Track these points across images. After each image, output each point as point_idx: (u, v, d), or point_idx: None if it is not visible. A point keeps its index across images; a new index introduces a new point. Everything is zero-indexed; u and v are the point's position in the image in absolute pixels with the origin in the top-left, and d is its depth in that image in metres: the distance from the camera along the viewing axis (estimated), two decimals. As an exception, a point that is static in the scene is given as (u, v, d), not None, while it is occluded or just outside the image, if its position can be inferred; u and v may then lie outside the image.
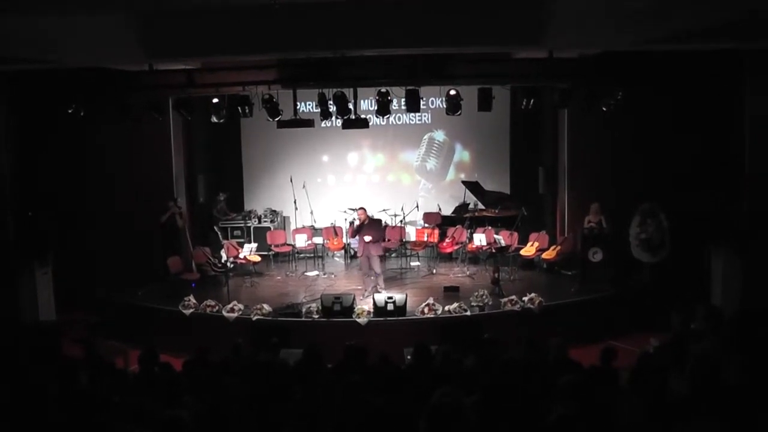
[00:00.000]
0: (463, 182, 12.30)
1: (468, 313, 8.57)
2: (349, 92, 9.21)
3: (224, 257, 10.50)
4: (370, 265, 9.51)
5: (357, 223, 9.73)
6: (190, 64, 9.20)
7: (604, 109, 9.00)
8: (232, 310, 8.76)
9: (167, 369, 5.49)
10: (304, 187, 11.92)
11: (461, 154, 13.07)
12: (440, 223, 12.02)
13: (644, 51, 8.39)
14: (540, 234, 10.91)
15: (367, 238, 9.46)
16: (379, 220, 10.08)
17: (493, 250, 10.55)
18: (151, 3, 6.64)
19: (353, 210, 12.00)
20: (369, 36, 7.12)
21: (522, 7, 6.79)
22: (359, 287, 10.04)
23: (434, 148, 13.00)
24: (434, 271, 11.12)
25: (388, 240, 11.19)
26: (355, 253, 12.07)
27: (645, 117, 10.05)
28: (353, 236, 9.73)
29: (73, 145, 10.57)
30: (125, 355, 7.72)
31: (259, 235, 12.12)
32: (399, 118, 12.77)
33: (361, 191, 12.93)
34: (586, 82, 8.95)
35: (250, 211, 12.69)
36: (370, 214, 10.02)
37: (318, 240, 11.75)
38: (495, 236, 10.73)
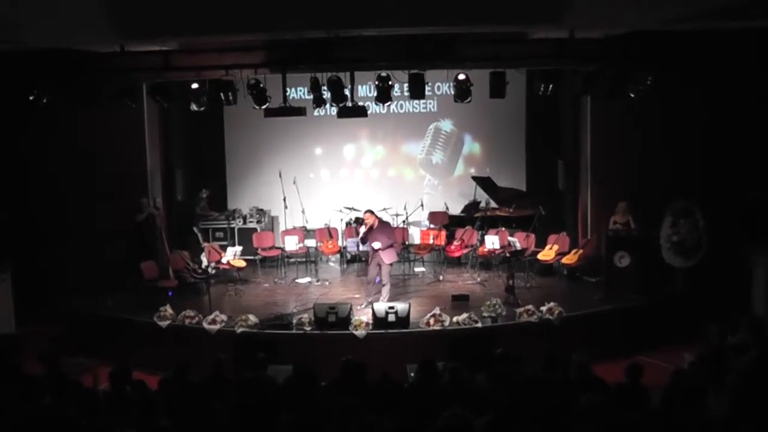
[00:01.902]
0: (474, 178, 12.28)
1: (479, 324, 8.55)
2: (345, 77, 9.18)
3: (205, 262, 10.47)
4: (380, 273, 9.48)
5: (365, 228, 9.58)
6: (166, 45, 9.18)
7: (632, 95, 8.97)
8: (213, 321, 8.74)
9: (141, 388, 5.47)
10: (294, 183, 11.90)
11: (471, 147, 13.04)
12: (447, 223, 12.00)
13: (676, 30, 8.37)
14: (560, 236, 10.90)
15: (377, 245, 9.36)
16: (388, 222, 10.02)
17: (507, 254, 10.50)
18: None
19: (349, 209, 12.04)
20: (368, 13, 7.10)
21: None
22: (357, 295, 10.02)
23: (441, 140, 12.98)
24: (441, 277, 11.10)
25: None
26: (352, 257, 12.12)
27: (677, 104, 10.05)
28: (363, 243, 9.63)
29: (36, 138, 10.57)
30: (93, 373, 7.68)
31: (244, 237, 12.10)
32: (401, 106, 12.73)
33: (359, 188, 12.91)
34: (611, 65, 8.93)
35: (234, 211, 12.67)
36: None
37: (310, 243, 11.72)
38: (509, 238, 10.71)
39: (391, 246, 9.50)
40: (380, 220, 9.69)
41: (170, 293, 9.92)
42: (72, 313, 9.76)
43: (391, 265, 9.57)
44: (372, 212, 9.63)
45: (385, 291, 9.46)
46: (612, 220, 10.14)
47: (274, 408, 4.60)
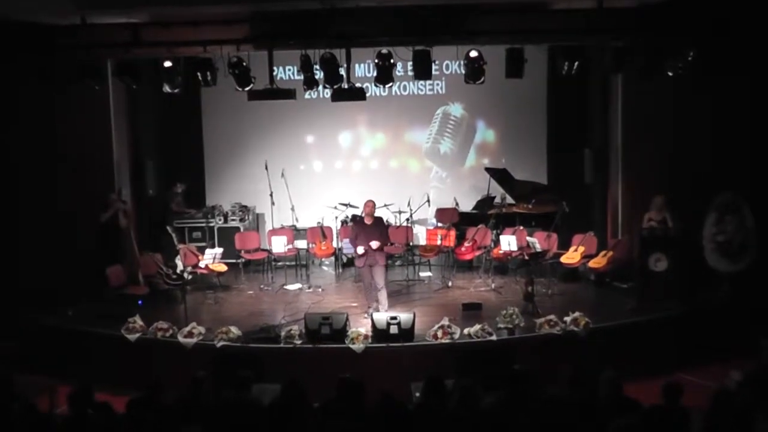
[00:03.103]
0: (487, 169, 12.28)
1: (493, 337, 8.55)
2: (340, 54, 9.18)
3: (180, 266, 10.48)
4: (373, 277, 9.50)
5: (360, 221, 9.55)
6: (134, 17, 9.17)
7: (670, 74, 8.95)
8: (190, 334, 8.75)
9: (105, 411, 5.47)
10: (282, 176, 11.91)
11: (484, 134, 13.03)
12: (457, 221, 11.99)
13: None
14: (586, 236, 10.89)
15: (375, 245, 9.33)
16: (381, 218, 10.05)
17: (526, 257, 10.52)
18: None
19: (345, 206, 12.05)
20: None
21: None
22: (354, 304, 10.03)
23: (450, 126, 12.98)
24: (450, 283, 11.12)
25: (391, 244, 11.18)
26: (349, 260, 12.12)
27: (723, 83, 10.00)
28: (354, 241, 9.55)
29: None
30: (51, 394, 7.68)
31: (225, 237, 12.12)
32: (404, 88, 12.74)
33: (357, 181, 12.92)
34: (646, 38, 8.92)
35: (213, 207, 12.68)
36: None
37: (301, 244, 11.73)
38: (528, 239, 10.70)
39: (385, 245, 9.58)
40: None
41: (140, 302, 9.92)
42: (27, 326, 9.74)
43: (385, 266, 9.59)
44: (374, 203, 9.58)
45: (383, 297, 9.48)
46: (646, 218, 10.13)
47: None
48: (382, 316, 8.65)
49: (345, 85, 9.36)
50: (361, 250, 9.29)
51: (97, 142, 10.84)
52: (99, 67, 9.48)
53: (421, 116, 12.97)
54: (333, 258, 12.21)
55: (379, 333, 8.52)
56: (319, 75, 9.44)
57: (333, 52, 9.06)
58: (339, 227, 12.13)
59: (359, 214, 12.01)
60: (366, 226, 9.46)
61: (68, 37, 9.18)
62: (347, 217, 12.18)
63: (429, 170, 13.14)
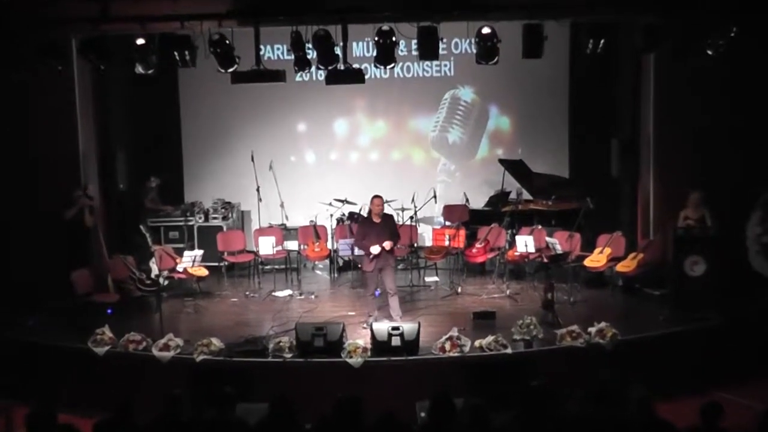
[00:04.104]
0: (501, 161, 12.31)
1: (509, 350, 8.55)
2: (336, 31, 9.18)
3: (155, 270, 10.49)
4: (383, 281, 9.44)
5: (366, 219, 9.54)
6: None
7: (710, 53, 8.94)
8: (166, 347, 8.74)
9: (70, 433, 5.47)
10: (271, 168, 11.94)
11: (498, 121, 13.06)
12: (468, 220, 12.03)
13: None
14: (613, 236, 10.90)
15: (388, 245, 9.32)
16: (391, 215, 10.03)
17: (545, 260, 10.53)
18: None
19: (342, 202, 12.05)
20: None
21: None
22: (351, 312, 10.04)
23: (459, 113, 13.00)
24: (459, 289, 11.12)
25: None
26: (345, 263, 12.13)
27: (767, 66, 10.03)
28: (361, 243, 9.48)
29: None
30: (7, 416, 7.66)
31: (206, 238, 12.14)
32: (408, 69, 12.77)
33: (354, 175, 12.97)
34: (683, 12, 8.91)
35: (192, 204, 12.71)
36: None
37: (291, 245, 11.75)
38: (547, 239, 10.71)
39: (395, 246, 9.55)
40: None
41: (109, 311, 9.92)
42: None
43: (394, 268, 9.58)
44: (382, 199, 9.54)
45: (396, 304, 9.49)
46: (682, 216, 10.13)
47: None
48: (382, 327, 8.64)
49: (341, 66, 9.36)
50: (376, 249, 9.21)
51: (60, 131, 10.82)
52: (62, 46, 9.48)
53: (426, 101, 12.99)
54: (327, 261, 12.21)
55: (380, 345, 8.51)
56: (311, 55, 9.44)
57: (327, 29, 9.06)
58: (334, 226, 12.15)
59: (357, 211, 12.07)
60: (375, 224, 9.43)
61: (27, 11, 9.17)
62: (343, 215, 12.18)
63: (436, 162, 13.16)
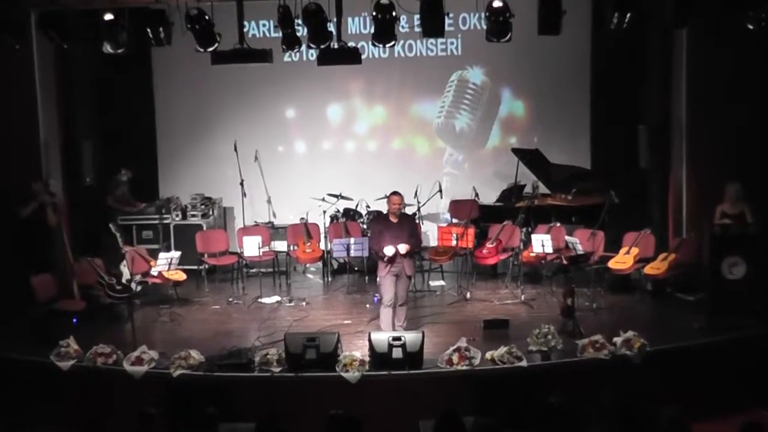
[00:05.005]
0: (515, 151, 12.29)
1: (523, 363, 8.53)
2: (328, 5, 9.15)
3: (126, 274, 10.45)
4: (396, 290, 9.32)
5: (382, 217, 9.55)
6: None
7: (750, 27, 8.91)
8: (139, 360, 8.72)
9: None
10: (256, 159, 11.94)
11: (511, 106, 13.05)
12: (477, 217, 12.02)
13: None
14: (641, 234, 10.90)
15: (403, 249, 9.21)
16: (412, 215, 9.95)
17: (565, 261, 10.51)
18: None
19: (336, 197, 12.03)
20: None
21: None
22: (347, 321, 10.02)
23: (467, 97, 12.98)
24: (468, 295, 11.12)
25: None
26: (340, 265, 12.11)
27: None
28: (376, 243, 9.32)
29: None
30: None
31: (184, 238, 12.12)
32: (410, 48, 12.76)
33: (350, 166, 12.97)
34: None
35: (168, 200, 12.71)
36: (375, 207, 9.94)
37: (280, 246, 11.76)
38: (567, 238, 10.69)
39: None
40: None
41: (75, 320, 9.90)
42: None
43: (410, 277, 9.54)
44: (401, 197, 9.44)
45: (403, 314, 9.46)
46: (719, 211, 10.11)
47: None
48: (382, 337, 8.61)
49: (335, 45, 9.35)
50: (390, 250, 9.15)
51: (18, 118, 10.77)
52: (19, 21, 9.43)
53: (431, 84, 13.00)
54: (320, 263, 12.19)
55: (379, 358, 8.48)
56: (301, 32, 9.40)
57: (319, 3, 9.03)
58: (328, 224, 12.15)
59: (353, 208, 12.05)
60: (391, 224, 9.32)
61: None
62: (338, 211, 12.16)
63: (441, 152, 13.16)
